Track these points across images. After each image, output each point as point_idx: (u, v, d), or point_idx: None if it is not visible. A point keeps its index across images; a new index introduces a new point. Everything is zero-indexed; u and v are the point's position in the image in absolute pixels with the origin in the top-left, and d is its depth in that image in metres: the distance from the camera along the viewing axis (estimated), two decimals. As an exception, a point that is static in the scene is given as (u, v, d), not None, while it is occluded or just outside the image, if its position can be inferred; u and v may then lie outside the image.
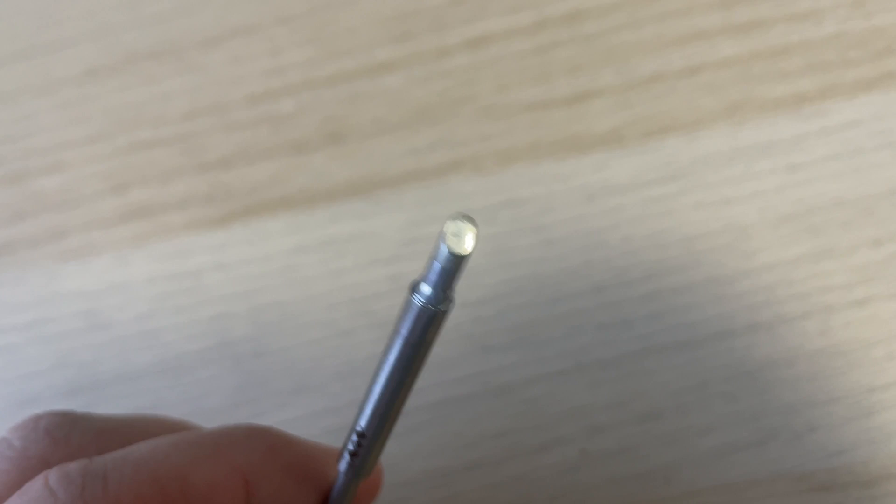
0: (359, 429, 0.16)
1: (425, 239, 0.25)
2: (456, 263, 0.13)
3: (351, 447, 0.16)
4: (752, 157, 0.25)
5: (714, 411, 0.22)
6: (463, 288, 0.25)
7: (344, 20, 0.28)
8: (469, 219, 0.13)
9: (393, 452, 0.23)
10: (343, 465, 0.17)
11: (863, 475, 0.22)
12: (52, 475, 0.14)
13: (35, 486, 0.14)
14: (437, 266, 0.13)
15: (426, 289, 0.14)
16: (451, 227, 0.13)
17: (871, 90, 0.26)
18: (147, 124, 0.27)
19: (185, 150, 0.27)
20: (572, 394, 0.23)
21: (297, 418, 0.24)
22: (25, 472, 0.15)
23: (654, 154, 0.25)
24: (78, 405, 0.24)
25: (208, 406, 0.24)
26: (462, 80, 0.27)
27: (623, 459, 0.22)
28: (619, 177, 0.25)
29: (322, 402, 0.24)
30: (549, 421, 0.23)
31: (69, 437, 0.16)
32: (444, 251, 0.13)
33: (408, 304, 0.14)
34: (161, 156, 0.27)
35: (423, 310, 0.14)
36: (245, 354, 0.24)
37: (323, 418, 0.24)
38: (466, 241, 0.13)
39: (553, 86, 0.27)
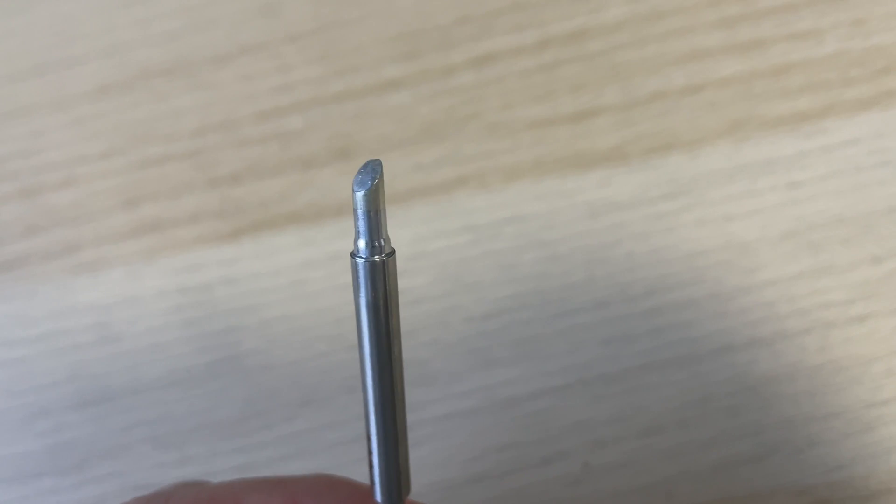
0: (373, 447, 0.16)
1: (431, 254, 0.26)
2: (370, 203, 0.14)
3: (377, 473, 0.16)
4: (753, 174, 0.25)
5: (715, 426, 0.23)
6: (468, 302, 0.25)
7: (352, 38, 0.29)
8: (372, 161, 0.14)
9: (399, 465, 0.23)
10: (378, 495, 0.16)
11: (862, 490, 0.22)
12: None
13: None
14: (357, 213, 0.14)
15: (361, 244, 0.14)
16: (359, 173, 0.13)
17: (871, 108, 0.26)
18: (158, 140, 0.28)
19: (195, 166, 0.28)
20: (575, 408, 0.23)
21: (304, 431, 0.24)
22: None
23: (656, 171, 0.26)
24: (88, 417, 0.25)
25: (216, 419, 0.24)
26: (467, 97, 0.27)
27: (625, 473, 0.22)
28: (622, 193, 0.25)
29: (330, 416, 0.24)
30: (553, 435, 0.23)
31: None
32: (357, 196, 0.13)
33: (353, 269, 0.14)
34: (172, 171, 0.28)
35: (366, 265, 0.14)
36: (254, 367, 0.25)
37: (330, 431, 0.24)
38: (373, 175, 0.13)
39: (557, 103, 0.27)
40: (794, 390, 0.23)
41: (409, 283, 0.26)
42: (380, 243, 0.14)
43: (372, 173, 0.14)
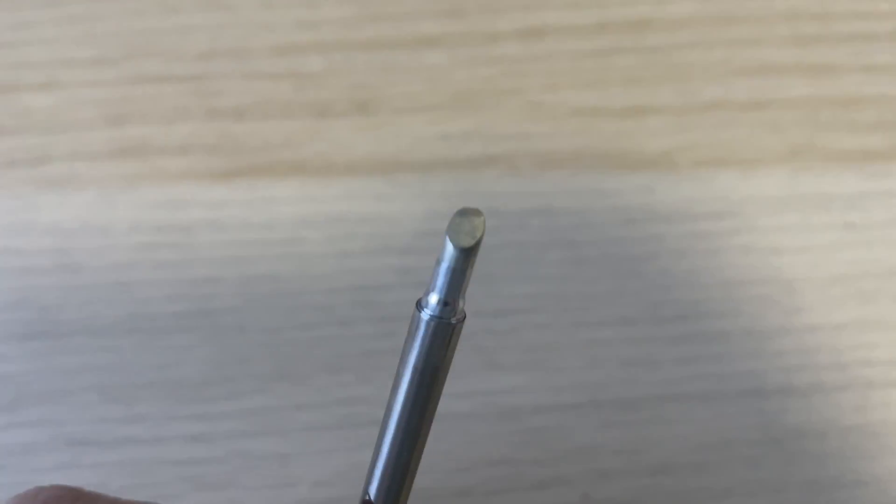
0: (367, 498, 0.14)
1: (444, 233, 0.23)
2: (464, 261, 0.11)
3: None
4: (808, 207, 0.23)
5: (733, 475, 0.20)
6: (478, 294, 0.22)
7: (392, -17, 0.26)
8: (475, 212, 0.11)
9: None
10: None
11: (881, 571, 0.20)
12: None
13: None
14: (444, 267, 0.12)
15: (434, 299, 0.12)
16: (456, 221, 0.11)
17: (941, 159, 0.24)
18: (158, 56, 0.25)
19: (195, 92, 0.24)
20: (583, 431, 0.21)
21: (274, 408, 0.21)
22: None
23: (705, 185, 0.23)
24: (32, 351, 0.22)
25: (177, 377, 0.21)
26: (510, 70, 0.25)
27: (629, 513, 0.20)
28: (665, 204, 0.23)
29: (305, 395, 0.21)
30: (554, 457, 0.21)
31: None
32: (449, 248, 0.11)
33: (415, 322, 0.12)
34: (168, 93, 0.24)
35: (433, 325, 0.12)
36: (227, 327, 0.22)
37: (303, 412, 0.21)
38: (475, 231, 0.11)
39: (607, 94, 0.24)
40: (822, 450, 0.21)
41: (415, 262, 0.23)
42: (455, 303, 0.12)
43: (473, 228, 0.11)
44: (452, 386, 0.21)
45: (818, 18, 0.26)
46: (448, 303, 0.12)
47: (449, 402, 0.21)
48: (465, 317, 0.13)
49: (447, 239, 0.12)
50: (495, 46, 0.25)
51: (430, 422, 0.13)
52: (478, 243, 0.12)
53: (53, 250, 0.23)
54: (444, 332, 0.12)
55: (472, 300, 0.22)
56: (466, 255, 0.12)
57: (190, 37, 0.25)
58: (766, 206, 0.23)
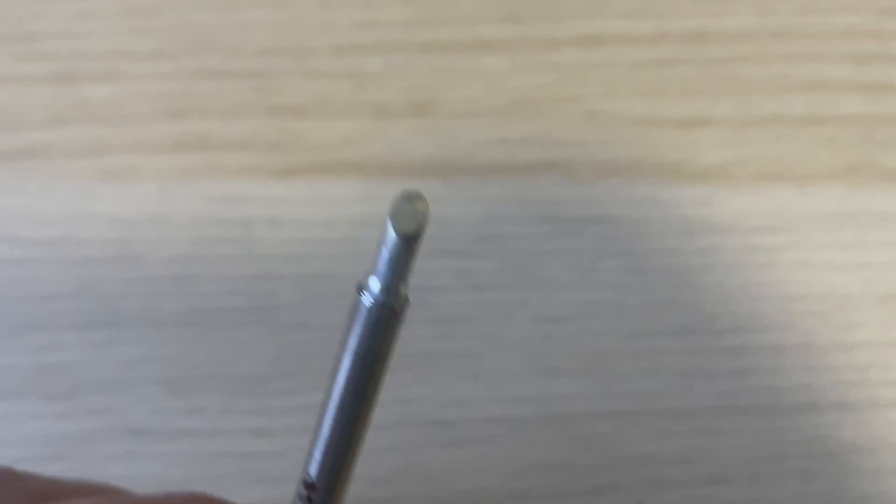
0: (308, 479, 0.13)
1: (503, 239, 0.23)
2: (406, 248, 0.11)
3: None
4: (864, 225, 0.23)
5: (787, 488, 0.21)
6: (536, 299, 0.23)
7: (452, -13, 0.26)
8: (418, 196, 0.11)
9: (433, 463, 0.21)
10: None
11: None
12: None
13: None
14: (385, 254, 0.11)
15: (375, 283, 0.11)
16: (398, 205, 0.11)
17: None
18: (218, 52, 0.25)
19: (256, 88, 0.25)
20: (639, 439, 0.21)
21: (332, 404, 0.21)
22: None
23: (762, 199, 0.24)
24: (93, 341, 0.22)
25: (237, 372, 0.22)
26: (569, 77, 0.25)
27: (684, 521, 0.20)
28: (723, 216, 0.23)
29: (363, 393, 0.21)
30: (610, 463, 0.21)
31: None
32: (391, 233, 0.11)
33: (355, 306, 0.12)
34: (229, 88, 0.25)
35: (374, 309, 0.12)
36: (288, 323, 0.22)
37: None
38: (418, 216, 0.10)
39: (666, 104, 0.25)
40: (875, 465, 0.21)
41: (473, 266, 0.23)
42: (398, 288, 0.11)
43: (416, 213, 0.11)
44: (508, 389, 0.22)
45: (875, 36, 0.26)
46: (388, 288, 0.12)
47: (505, 406, 0.22)
48: (408, 302, 0.12)
49: (388, 224, 0.11)
50: (554, 53, 0.25)
51: (371, 408, 0.13)
52: (421, 230, 0.11)
53: (114, 241, 0.23)
54: (387, 318, 0.12)
55: (530, 305, 0.23)
56: (408, 243, 0.11)
57: (249, 33, 0.25)
58: (821, 222, 0.23)
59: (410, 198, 0.11)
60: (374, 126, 0.24)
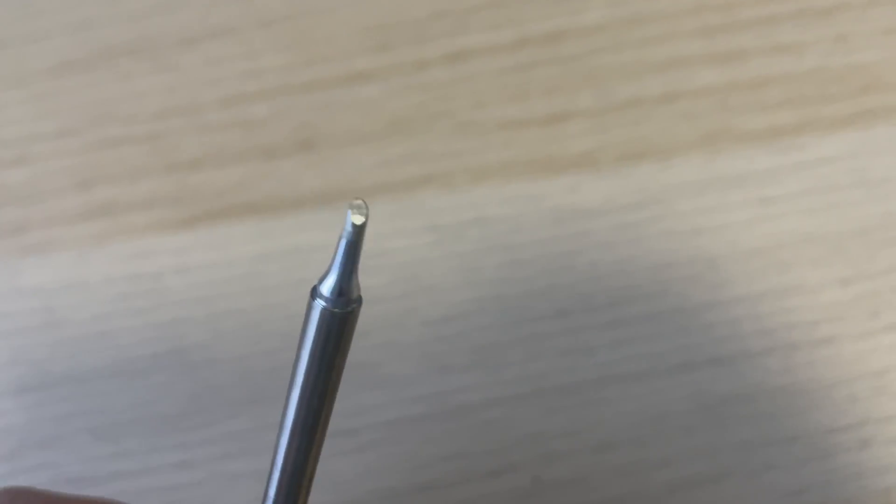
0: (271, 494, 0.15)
1: (391, 253, 0.25)
2: (359, 236, 0.12)
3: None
4: (724, 188, 0.25)
5: (671, 445, 0.22)
6: (426, 305, 0.24)
7: (324, 27, 0.28)
8: (363, 201, 0.13)
9: (342, 470, 0.22)
10: None
11: (817, 517, 0.21)
12: None
13: None
14: (341, 246, 0.13)
15: (329, 283, 0.13)
16: (351, 203, 0.12)
17: (848, 127, 0.25)
18: (118, 121, 0.27)
19: (154, 150, 0.27)
20: (529, 419, 0.22)
21: (249, 430, 0.23)
22: None
23: (626, 179, 0.25)
24: (25, 404, 0.24)
25: (159, 412, 0.23)
26: (439, 94, 0.27)
27: (576, 490, 0.22)
28: (591, 201, 0.25)
29: (276, 415, 0.23)
30: (504, 446, 0.22)
31: None
32: (348, 223, 0.12)
33: (311, 311, 0.13)
34: (129, 154, 0.27)
35: (327, 312, 0.13)
36: (200, 361, 0.24)
37: (275, 431, 0.23)
38: (365, 210, 0.12)
39: (530, 105, 0.26)
40: (753, 412, 0.22)
41: (366, 282, 0.25)
42: (350, 288, 0.13)
43: (364, 206, 0.12)
44: (406, 391, 0.23)
45: (722, 8, 0.27)
46: (343, 290, 0.13)
47: (404, 407, 0.23)
48: (360, 301, 0.13)
49: (347, 215, 0.12)
50: (423, 73, 0.27)
51: (330, 408, 0.14)
52: (367, 220, 0.13)
53: (39, 309, 0.25)
54: (342, 318, 0.13)
55: (420, 310, 0.24)
56: (361, 230, 0.12)
57: (144, 100, 0.27)
58: (684, 192, 0.25)
59: (358, 202, 0.13)
60: (265, 167, 0.26)
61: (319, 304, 0.13)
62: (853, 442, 0.22)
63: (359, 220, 0.12)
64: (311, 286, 0.13)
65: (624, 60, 0.27)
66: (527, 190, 0.25)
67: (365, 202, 0.13)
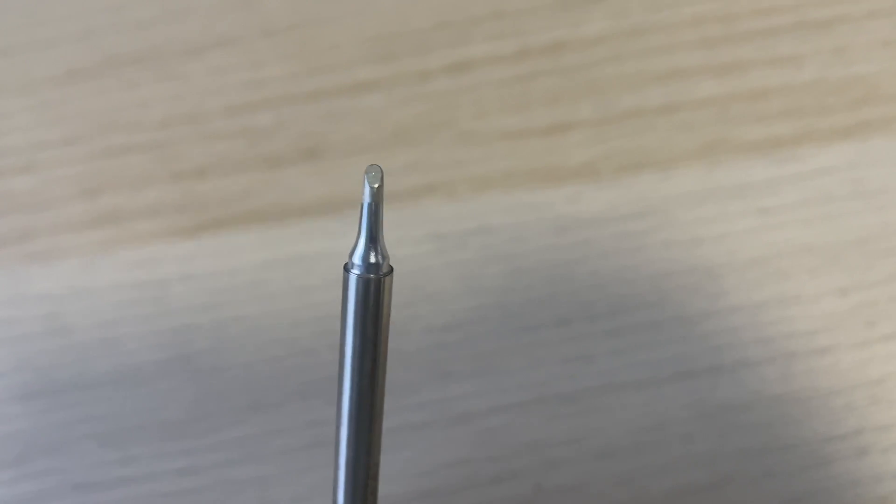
0: (340, 480, 0.15)
1: (393, 261, 0.25)
2: (377, 198, 0.13)
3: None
4: (724, 198, 0.25)
5: (670, 452, 0.22)
6: (428, 313, 0.25)
7: (328, 37, 0.28)
8: (376, 167, 0.14)
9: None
10: None
11: (815, 525, 0.22)
12: None
13: None
14: (364, 211, 0.13)
15: (359, 252, 0.14)
16: (367, 170, 0.14)
17: (846, 138, 0.26)
18: (123, 130, 0.27)
19: (159, 158, 0.27)
20: (531, 427, 0.23)
21: (252, 436, 0.23)
22: None
23: (627, 189, 0.25)
24: (31, 410, 0.24)
25: (164, 418, 0.24)
26: (441, 104, 0.27)
27: (576, 496, 0.22)
28: (591, 210, 0.25)
29: (279, 421, 0.24)
30: (506, 453, 0.22)
31: None
32: (367, 187, 0.13)
33: (347, 283, 0.14)
34: (135, 162, 0.27)
35: (362, 279, 0.14)
36: (205, 368, 0.24)
37: (279, 437, 0.23)
38: (379, 174, 0.14)
39: (531, 115, 0.27)
40: (752, 420, 0.23)
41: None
42: (378, 257, 0.14)
43: (378, 169, 0.14)
44: (409, 399, 0.24)
45: (722, 20, 0.27)
46: (373, 253, 0.14)
47: (407, 414, 0.23)
48: (391, 269, 0.14)
49: (365, 181, 0.14)
50: (426, 83, 0.27)
51: (383, 377, 0.15)
52: (382, 182, 0.14)
53: (45, 316, 0.25)
54: (376, 283, 0.14)
55: (423, 318, 0.24)
56: (379, 192, 0.14)
57: (149, 108, 0.28)
58: (684, 202, 0.25)
59: (372, 167, 0.14)
60: (270, 176, 0.27)
61: (353, 274, 0.14)
62: (850, 450, 0.22)
63: (375, 181, 0.13)
64: (343, 263, 0.14)
65: (625, 71, 0.27)
66: (528, 199, 0.25)
67: (379, 167, 0.13)
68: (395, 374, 0.24)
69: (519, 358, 0.23)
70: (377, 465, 0.15)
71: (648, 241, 0.25)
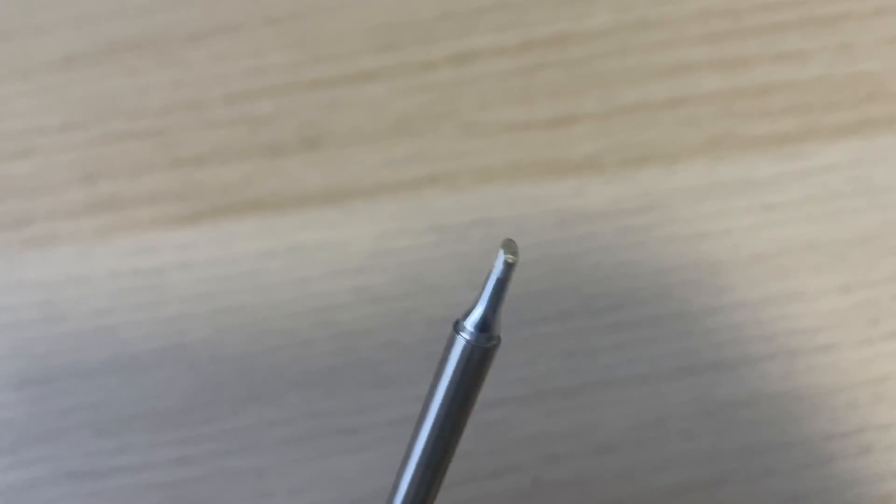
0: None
1: (395, 253, 0.25)
2: (508, 273, 0.13)
3: None
4: (728, 193, 0.25)
5: (671, 448, 0.22)
6: (429, 304, 0.24)
7: (330, 26, 0.28)
8: (514, 242, 0.13)
9: (344, 469, 0.22)
10: None
11: (816, 523, 0.21)
12: None
13: None
14: (491, 281, 0.13)
15: (473, 317, 0.13)
16: (505, 241, 0.13)
17: (851, 135, 0.26)
18: (123, 116, 0.27)
19: (159, 145, 0.27)
20: (530, 421, 0.23)
21: (249, 426, 0.23)
22: None
23: (630, 183, 0.25)
24: (27, 398, 0.24)
25: (160, 407, 0.23)
26: (444, 94, 0.27)
27: (575, 491, 0.22)
28: (594, 204, 0.25)
29: (276, 412, 0.23)
30: (505, 447, 0.22)
31: None
32: (500, 259, 0.13)
33: (451, 344, 0.13)
34: (134, 149, 0.27)
35: (472, 348, 0.13)
36: (202, 358, 0.24)
37: (276, 428, 0.23)
38: (517, 250, 0.13)
39: (535, 108, 0.26)
40: (753, 417, 0.22)
41: (368, 281, 0.25)
42: (493, 325, 0.13)
43: (516, 246, 0.13)
44: (410, 391, 0.23)
45: (727, 15, 0.27)
46: (487, 325, 0.13)
47: (407, 406, 0.23)
48: (500, 341, 0.14)
49: (500, 252, 0.13)
50: (429, 74, 0.27)
51: (458, 442, 0.15)
52: (517, 259, 0.13)
53: (40, 303, 0.25)
54: (483, 355, 0.14)
55: (424, 311, 0.24)
56: (511, 268, 0.13)
57: (149, 95, 0.27)
58: (688, 197, 0.25)
59: (511, 241, 0.13)
60: (270, 164, 0.26)
61: (462, 338, 0.13)
62: (853, 448, 0.22)
63: (511, 258, 0.13)
64: (454, 321, 0.14)
65: (629, 65, 0.27)
66: (531, 192, 0.25)
67: (515, 243, 0.13)
68: (395, 366, 0.24)
69: (520, 352, 0.23)
70: None
71: (651, 235, 0.24)
